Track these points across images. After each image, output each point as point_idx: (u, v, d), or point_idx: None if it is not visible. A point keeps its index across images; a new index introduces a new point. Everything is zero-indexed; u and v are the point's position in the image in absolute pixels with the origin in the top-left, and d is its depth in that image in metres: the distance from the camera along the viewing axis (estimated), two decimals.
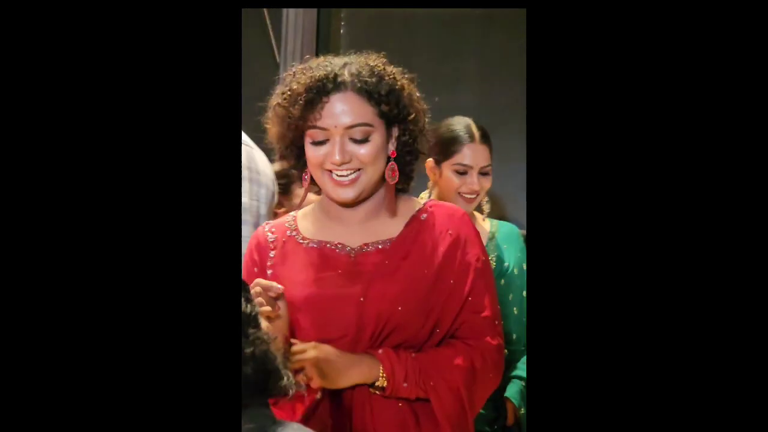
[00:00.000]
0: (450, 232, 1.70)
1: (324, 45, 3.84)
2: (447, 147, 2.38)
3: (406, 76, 1.72)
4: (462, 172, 2.37)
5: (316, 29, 3.84)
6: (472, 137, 2.36)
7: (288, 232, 1.75)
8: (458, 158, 2.36)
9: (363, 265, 1.67)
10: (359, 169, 1.65)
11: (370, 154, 1.64)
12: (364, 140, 1.63)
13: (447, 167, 2.38)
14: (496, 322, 1.69)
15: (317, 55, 3.79)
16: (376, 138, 1.64)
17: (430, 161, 2.39)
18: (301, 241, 1.73)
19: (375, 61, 1.69)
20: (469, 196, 2.38)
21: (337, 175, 1.65)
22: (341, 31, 3.95)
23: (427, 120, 1.74)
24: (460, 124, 2.40)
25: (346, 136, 1.63)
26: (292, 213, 1.80)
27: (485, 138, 2.39)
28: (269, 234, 1.76)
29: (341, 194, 1.67)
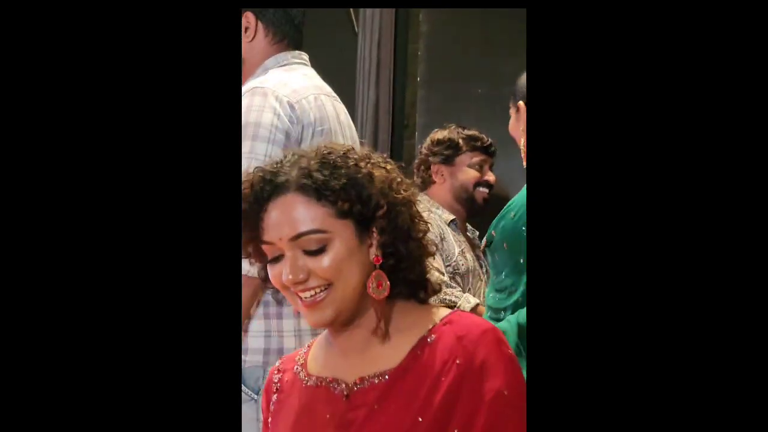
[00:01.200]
0: (458, 360, 1.30)
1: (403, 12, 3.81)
2: None
3: (373, 161, 1.37)
4: None
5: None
6: None
7: (295, 367, 1.45)
8: None
9: (356, 408, 1.34)
10: (327, 286, 1.32)
11: (331, 267, 1.30)
12: (319, 251, 1.31)
13: None
14: None
15: (396, 22, 3.78)
16: (338, 245, 1.31)
17: None
18: (304, 378, 1.42)
19: (335, 146, 1.37)
20: None
21: (301, 297, 1.34)
22: None
23: (419, 210, 1.39)
24: None
25: (296, 248, 1.31)
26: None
27: None
28: (275, 374, 1.47)
29: (312, 319, 1.34)
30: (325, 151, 1.35)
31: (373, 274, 1.34)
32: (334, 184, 1.31)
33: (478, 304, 2.86)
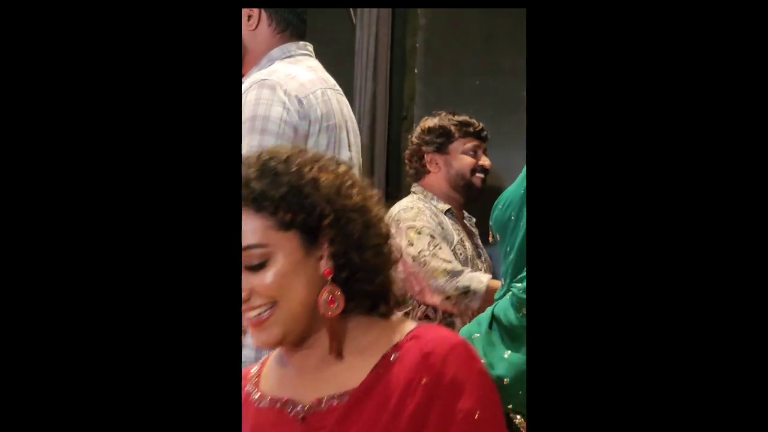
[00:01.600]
0: (424, 380, 1.20)
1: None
2: None
3: (321, 164, 1.27)
4: None
5: None
6: None
7: (248, 386, 1.33)
8: None
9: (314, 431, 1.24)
10: (273, 304, 1.23)
11: (274, 284, 1.22)
12: (260, 266, 1.22)
13: None
14: None
15: (393, 15, 3.80)
16: (281, 260, 1.22)
17: None
18: (256, 398, 1.31)
19: (278, 151, 1.28)
20: None
21: (246, 316, 1.25)
22: None
23: (377, 215, 1.28)
24: None
25: None
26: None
27: None
28: None
29: (259, 339, 1.26)
30: (265, 158, 1.26)
31: (325, 288, 1.24)
32: (273, 193, 1.23)
33: (490, 280, 2.85)
